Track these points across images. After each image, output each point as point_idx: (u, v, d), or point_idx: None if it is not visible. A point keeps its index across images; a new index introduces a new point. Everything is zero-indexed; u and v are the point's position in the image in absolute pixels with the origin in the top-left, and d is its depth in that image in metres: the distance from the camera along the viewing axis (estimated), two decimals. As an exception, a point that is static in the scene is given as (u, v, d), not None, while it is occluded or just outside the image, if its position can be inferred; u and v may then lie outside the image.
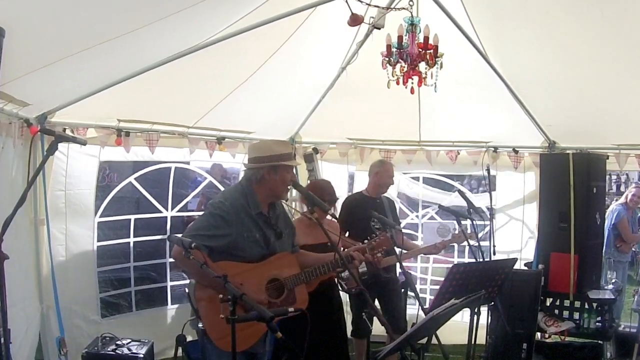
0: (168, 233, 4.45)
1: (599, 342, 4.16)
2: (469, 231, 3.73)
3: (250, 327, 2.34)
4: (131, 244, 4.37)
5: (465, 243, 3.87)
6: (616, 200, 5.98)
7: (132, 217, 4.41)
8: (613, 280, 4.50)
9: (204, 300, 2.44)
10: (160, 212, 4.54)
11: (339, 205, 4.39)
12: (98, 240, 4.05)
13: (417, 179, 5.42)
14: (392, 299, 3.95)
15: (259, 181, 2.57)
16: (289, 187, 2.63)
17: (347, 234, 3.60)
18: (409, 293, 4.24)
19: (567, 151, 4.52)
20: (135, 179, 4.43)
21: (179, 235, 2.39)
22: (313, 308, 2.84)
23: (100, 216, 4.12)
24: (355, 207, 3.94)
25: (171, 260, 4.22)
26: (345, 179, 5.39)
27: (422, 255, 4.71)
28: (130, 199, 4.87)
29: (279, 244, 2.63)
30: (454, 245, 5.61)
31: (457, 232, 3.90)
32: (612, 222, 5.39)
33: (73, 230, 3.82)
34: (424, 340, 3.68)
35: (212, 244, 2.41)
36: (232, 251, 2.46)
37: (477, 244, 3.64)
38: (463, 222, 3.76)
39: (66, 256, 3.76)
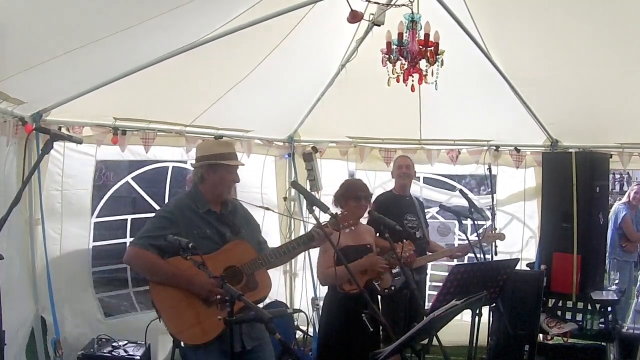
0: None
1: (602, 343, 4.12)
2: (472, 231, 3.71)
3: (209, 320, 2.39)
4: (127, 244, 4.31)
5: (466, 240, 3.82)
6: (619, 199, 5.94)
7: (129, 217, 4.36)
8: (616, 281, 4.45)
9: (160, 298, 2.48)
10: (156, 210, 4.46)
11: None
12: (94, 240, 3.99)
13: (417, 178, 5.37)
14: (417, 303, 3.87)
15: (201, 181, 2.64)
16: (230, 186, 2.67)
17: (377, 234, 3.56)
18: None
19: (570, 150, 4.49)
20: (132, 178, 4.39)
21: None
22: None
23: (97, 216, 4.07)
24: (384, 206, 3.84)
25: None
26: (345, 178, 5.34)
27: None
28: (126, 199, 4.83)
29: (238, 239, 2.65)
30: (454, 244, 5.57)
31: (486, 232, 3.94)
32: (618, 223, 5.34)
33: (69, 230, 3.77)
34: (425, 342, 3.66)
35: (159, 244, 2.46)
36: None
37: (478, 244, 3.59)
38: (464, 222, 3.71)
39: (61, 256, 3.70)
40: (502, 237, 3.97)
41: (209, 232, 2.56)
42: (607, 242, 4.72)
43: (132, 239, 4.21)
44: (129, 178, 4.39)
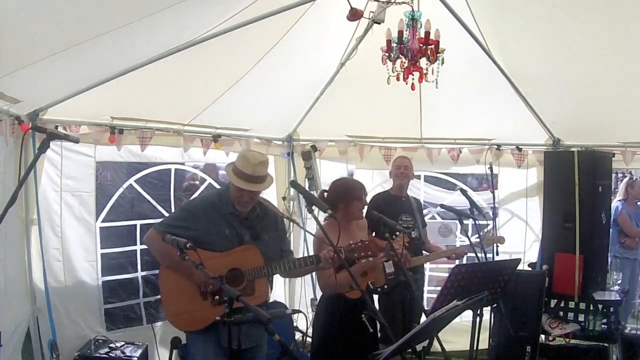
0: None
1: (605, 345, 4.08)
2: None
3: (201, 311, 2.57)
4: (138, 252, 4.22)
5: (467, 241, 3.79)
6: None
7: (138, 222, 4.24)
8: (619, 282, 4.41)
9: (165, 281, 2.69)
10: (163, 215, 4.33)
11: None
12: (102, 248, 3.91)
13: (418, 177, 5.33)
14: (415, 304, 3.83)
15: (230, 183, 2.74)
16: (240, 202, 2.67)
17: (373, 234, 3.52)
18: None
19: (572, 149, 4.47)
20: (135, 181, 4.32)
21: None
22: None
23: (103, 221, 3.99)
24: (380, 206, 3.83)
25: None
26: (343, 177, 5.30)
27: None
28: (131, 203, 4.71)
29: (258, 244, 2.71)
30: (455, 245, 5.53)
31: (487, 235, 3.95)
32: (612, 219, 5.26)
33: (69, 234, 3.70)
34: (425, 343, 3.62)
35: (177, 233, 2.57)
36: (199, 244, 2.56)
37: (479, 244, 3.56)
38: (465, 222, 3.67)
39: (62, 260, 3.63)
40: (501, 240, 3.96)
41: (227, 232, 2.66)
42: (609, 241, 4.66)
43: (141, 246, 4.24)
44: (132, 181, 4.32)
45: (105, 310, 3.92)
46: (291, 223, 5.01)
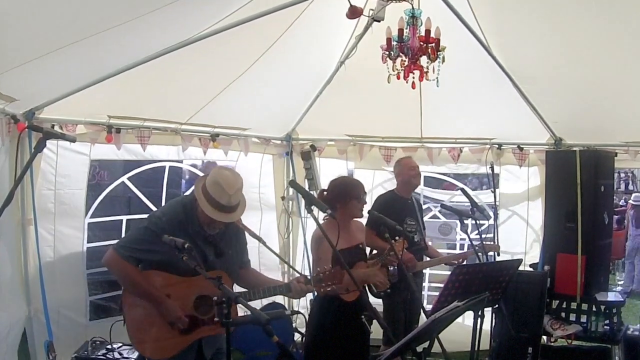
0: None
1: (607, 346, 4.06)
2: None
3: (170, 339, 2.44)
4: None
5: (468, 241, 3.77)
6: None
7: (124, 217, 4.28)
8: (620, 282, 4.38)
9: (129, 306, 2.51)
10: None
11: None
12: (88, 242, 3.91)
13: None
14: (415, 305, 3.81)
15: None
16: (208, 225, 2.49)
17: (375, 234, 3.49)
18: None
19: (574, 148, 4.44)
20: (128, 178, 4.32)
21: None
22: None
23: (91, 217, 4.00)
24: (385, 206, 3.75)
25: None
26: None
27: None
28: (122, 199, 4.73)
29: (220, 262, 2.57)
30: (455, 245, 5.51)
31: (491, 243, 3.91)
32: None
33: (62, 231, 3.71)
34: (426, 344, 3.58)
35: (142, 257, 2.48)
36: (164, 267, 2.47)
37: (480, 244, 3.53)
38: (465, 222, 3.64)
39: (54, 257, 3.64)
40: (497, 249, 3.94)
41: (192, 253, 2.48)
42: (612, 242, 4.61)
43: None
44: (124, 178, 4.32)
45: (91, 302, 3.92)
46: (291, 220, 5.01)
